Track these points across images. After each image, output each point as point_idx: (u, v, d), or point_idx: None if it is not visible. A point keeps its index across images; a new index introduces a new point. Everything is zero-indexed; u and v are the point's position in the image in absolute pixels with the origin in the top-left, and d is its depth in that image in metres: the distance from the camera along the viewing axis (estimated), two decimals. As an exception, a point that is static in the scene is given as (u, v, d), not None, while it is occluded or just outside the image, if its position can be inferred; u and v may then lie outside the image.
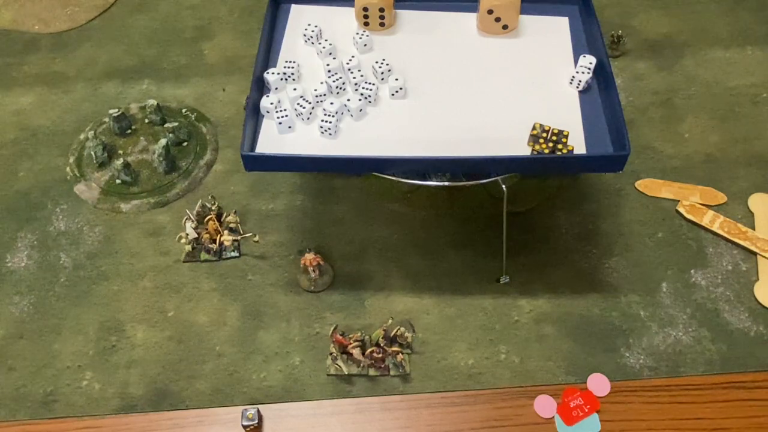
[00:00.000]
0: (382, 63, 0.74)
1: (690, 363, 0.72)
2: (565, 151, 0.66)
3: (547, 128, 0.67)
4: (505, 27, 0.77)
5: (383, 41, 0.78)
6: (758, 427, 0.67)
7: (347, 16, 0.79)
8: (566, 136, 0.67)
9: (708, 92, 0.95)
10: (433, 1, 0.82)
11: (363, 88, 0.72)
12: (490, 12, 0.76)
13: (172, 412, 0.70)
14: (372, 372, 0.71)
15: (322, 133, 0.70)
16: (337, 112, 0.70)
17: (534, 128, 0.67)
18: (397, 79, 0.73)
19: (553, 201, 0.84)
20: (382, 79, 0.74)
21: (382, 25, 0.78)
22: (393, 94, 0.73)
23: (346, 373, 0.71)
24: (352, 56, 0.75)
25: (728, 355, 0.72)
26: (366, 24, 0.78)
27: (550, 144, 0.67)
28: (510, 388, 0.71)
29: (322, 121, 0.69)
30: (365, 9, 0.77)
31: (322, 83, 0.72)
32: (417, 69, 0.75)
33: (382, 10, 0.76)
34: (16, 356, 0.74)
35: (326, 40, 0.76)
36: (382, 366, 0.71)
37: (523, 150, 0.67)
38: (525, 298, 0.77)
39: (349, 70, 0.74)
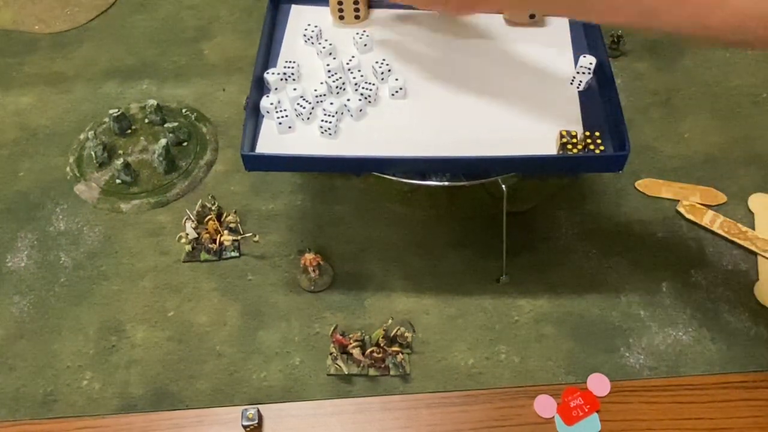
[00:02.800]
0: (382, 63, 0.74)
1: (690, 363, 0.72)
2: (597, 151, 0.66)
3: (574, 133, 0.67)
4: (532, 16, 0.78)
5: (383, 41, 0.78)
6: (758, 427, 0.67)
7: (347, 16, 0.79)
8: (599, 137, 0.67)
9: (708, 92, 0.95)
10: None
11: (363, 88, 0.72)
12: None
13: (172, 412, 0.70)
14: (372, 372, 0.71)
15: (322, 133, 0.70)
16: (337, 112, 0.70)
17: (562, 136, 0.67)
18: (397, 79, 0.72)
19: (553, 201, 0.84)
20: (382, 79, 0.74)
21: (357, 17, 0.78)
22: (393, 94, 0.73)
23: (346, 373, 0.71)
24: (352, 56, 0.75)
25: (728, 355, 0.72)
26: (341, 18, 0.78)
27: (579, 146, 0.67)
28: (510, 388, 0.71)
29: (322, 121, 0.69)
30: (339, 2, 0.76)
31: (322, 83, 0.72)
32: (417, 69, 0.75)
33: (356, 2, 0.76)
34: (16, 356, 0.74)
35: (326, 40, 0.76)
36: (382, 366, 0.71)
37: (523, 150, 0.67)
38: (525, 298, 0.77)
39: (349, 70, 0.74)
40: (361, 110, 0.71)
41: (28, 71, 1.01)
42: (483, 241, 0.80)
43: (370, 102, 0.72)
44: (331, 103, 0.70)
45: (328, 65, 0.73)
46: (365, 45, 0.77)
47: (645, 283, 0.78)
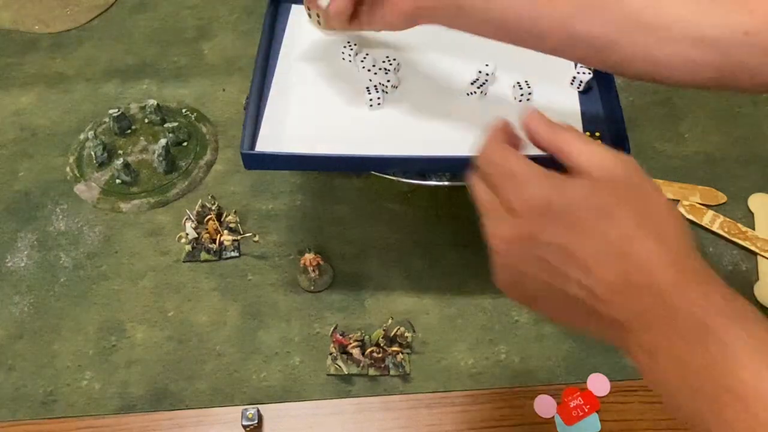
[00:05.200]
0: (386, 59, 0.74)
1: (690, 363, 0.71)
2: None
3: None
4: None
5: (384, 41, 0.78)
6: (758, 427, 0.67)
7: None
8: (599, 138, 0.67)
9: (708, 92, 0.95)
10: None
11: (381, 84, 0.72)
12: None
13: (172, 412, 0.70)
14: (372, 372, 0.71)
15: (371, 106, 0.71)
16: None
17: None
18: (397, 79, 0.72)
19: (553, 201, 0.84)
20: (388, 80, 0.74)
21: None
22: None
23: (346, 373, 0.71)
24: (366, 54, 0.74)
25: (728, 355, 0.72)
26: (318, 23, 0.78)
27: None
28: (510, 388, 0.71)
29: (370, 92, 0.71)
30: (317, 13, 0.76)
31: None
32: (416, 69, 0.75)
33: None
34: (16, 356, 0.74)
35: (364, 53, 0.75)
36: (382, 366, 0.71)
37: (522, 150, 0.67)
38: (525, 298, 0.76)
39: (364, 68, 0.73)
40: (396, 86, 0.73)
41: (28, 71, 1.01)
42: (483, 241, 0.80)
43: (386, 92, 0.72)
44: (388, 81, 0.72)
45: (367, 70, 0.73)
46: (356, 54, 0.76)
47: (645, 283, 0.77)
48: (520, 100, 0.71)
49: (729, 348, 0.33)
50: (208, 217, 0.81)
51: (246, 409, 0.68)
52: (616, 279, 0.37)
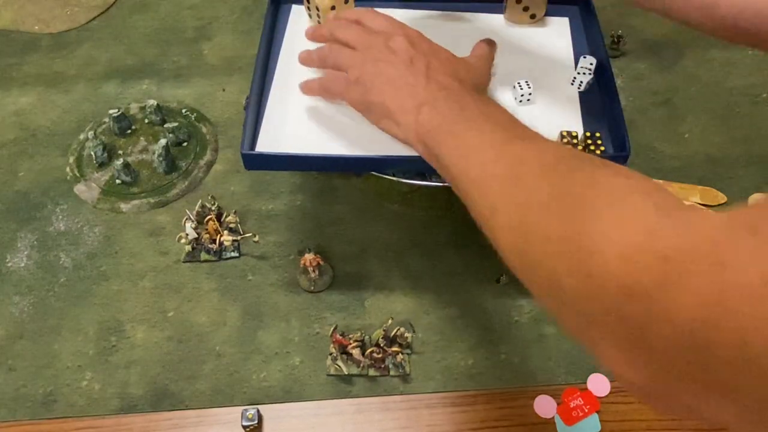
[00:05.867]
0: None
1: (690, 363, 0.71)
2: (598, 152, 0.66)
3: (574, 134, 0.67)
4: (533, 16, 0.78)
5: None
6: (758, 427, 0.67)
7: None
8: (599, 137, 0.67)
9: (708, 92, 0.95)
10: (433, 2, 0.81)
11: None
12: (519, 2, 0.76)
13: (172, 412, 0.70)
14: (372, 372, 0.71)
15: None
16: None
17: (562, 136, 0.67)
18: None
19: (553, 201, 0.84)
20: None
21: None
22: None
23: (346, 373, 0.71)
24: None
25: (728, 355, 0.72)
26: (318, 23, 0.78)
27: (580, 147, 0.67)
28: (510, 388, 0.71)
29: None
30: (317, 8, 0.76)
31: None
32: None
33: (333, 8, 0.76)
34: (16, 356, 0.74)
35: None
36: (382, 366, 0.71)
37: None
38: (525, 298, 0.77)
39: None
40: None
41: (28, 71, 1.01)
42: (483, 241, 0.80)
43: None
44: None
45: None
46: None
47: (645, 283, 0.77)
48: (521, 101, 0.71)
49: (472, 115, 0.57)
50: (208, 217, 0.81)
51: (246, 410, 0.68)
52: (448, 73, 0.61)
